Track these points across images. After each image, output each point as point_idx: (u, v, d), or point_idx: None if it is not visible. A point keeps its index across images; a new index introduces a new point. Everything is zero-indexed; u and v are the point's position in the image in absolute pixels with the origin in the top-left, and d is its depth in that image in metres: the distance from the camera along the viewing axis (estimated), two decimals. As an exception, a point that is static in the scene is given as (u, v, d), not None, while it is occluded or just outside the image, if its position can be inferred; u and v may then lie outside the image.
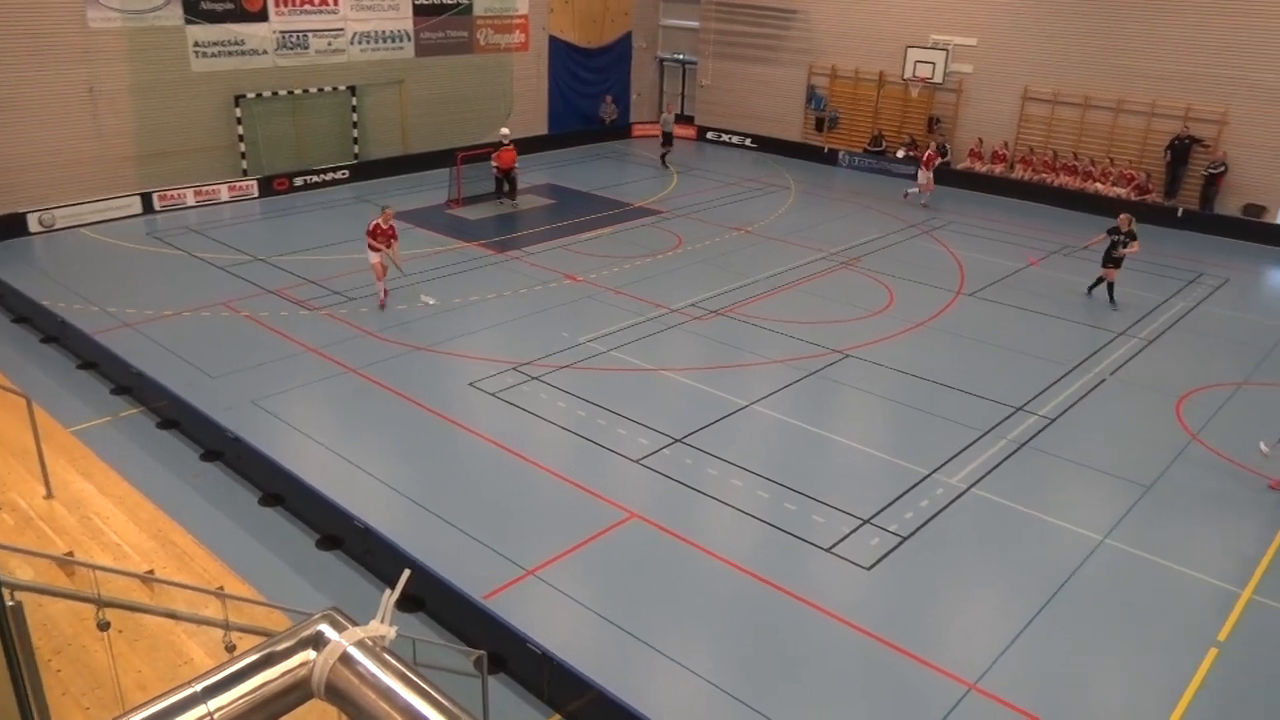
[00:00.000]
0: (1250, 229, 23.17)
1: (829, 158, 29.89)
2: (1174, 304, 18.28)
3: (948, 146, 27.90)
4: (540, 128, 30.80)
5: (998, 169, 27.13)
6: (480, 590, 9.14)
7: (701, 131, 33.15)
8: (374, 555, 9.60)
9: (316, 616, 3.73)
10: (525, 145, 24.71)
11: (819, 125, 30.86)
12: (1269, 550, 10.36)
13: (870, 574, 9.82)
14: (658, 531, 10.41)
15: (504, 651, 8.26)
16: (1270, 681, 8.60)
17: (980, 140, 27.47)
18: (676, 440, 12.31)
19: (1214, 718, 8.12)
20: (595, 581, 9.61)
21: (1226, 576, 9.96)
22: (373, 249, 16.17)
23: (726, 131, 32.43)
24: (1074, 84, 25.60)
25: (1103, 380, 14.64)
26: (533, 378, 13.96)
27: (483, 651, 7.04)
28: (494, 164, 23.46)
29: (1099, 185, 25.30)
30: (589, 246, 20.49)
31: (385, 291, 16.49)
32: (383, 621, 3.81)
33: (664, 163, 28.43)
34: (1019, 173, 26.76)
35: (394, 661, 3.57)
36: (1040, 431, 12.91)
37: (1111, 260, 17.76)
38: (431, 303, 16.46)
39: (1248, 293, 19.51)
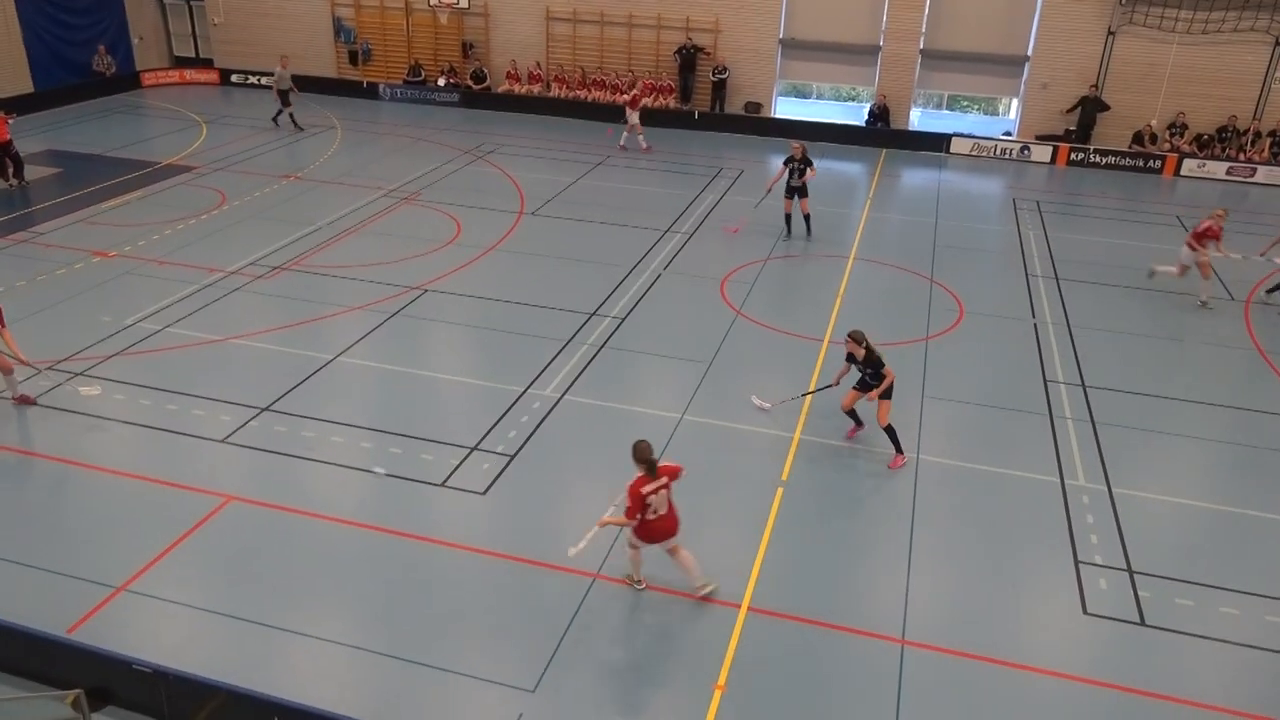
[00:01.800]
0: (752, 124, 26.54)
1: (370, 92, 28.98)
2: (705, 198, 20.49)
3: (484, 71, 28.34)
4: (23, 85, 26.25)
5: (535, 89, 28.14)
6: (62, 624, 7.99)
7: (225, 75, 30.38)
8: (-93, 622, 7.95)
9: None
10: (3, 106, 20.85)
11: (353, 59, 29.71)
12: (807, 398, 12.24)
13: (486, 498, 10.09)
14: (261, 509, 9.78)
15: (107, 682, 7.35)
16: (820, 501, 10.30)
17: (514, 62, 28.23)
18: (263, 409, 11.54)
19: (788, 541, 9.57)
20: (200, 578, 8.83)
21: (780, 426, 11.65)
22: None
23: (253, 73, 30.02)
24: (590, 2, 27.12)
25: (659, 276, 16.11)
26: (77, 374, 12.19)
27: (79, 690, 6.21)
28: None
29: (626, 97, 27.27)
30: (115, 216, 18.09)
31: (21, 396, 11.45)
32: None
33: (295, 124, 24.79)
34: (555, 91, 27.98)
35: None
36: (614, 332, 13.95)
37: (793, 190, 17.62)
38: (96, 393, 11.71)
39: (758, 181, 22.36)
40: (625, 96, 25.56)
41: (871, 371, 10.69)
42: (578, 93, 27.73)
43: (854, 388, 11.04)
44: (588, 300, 14.93)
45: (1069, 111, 24.78)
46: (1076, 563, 9.44)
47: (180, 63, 31.25)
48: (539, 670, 7.88)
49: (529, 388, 12.27)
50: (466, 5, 27.51)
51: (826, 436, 11.43)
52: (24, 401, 11.50)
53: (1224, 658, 8.32)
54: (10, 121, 19.65)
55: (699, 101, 27.20)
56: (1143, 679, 8.04)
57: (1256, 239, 18.00)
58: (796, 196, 17.78)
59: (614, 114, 26.77)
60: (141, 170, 21.03)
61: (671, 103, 27.15)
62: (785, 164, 17.58)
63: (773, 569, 9.19)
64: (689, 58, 26.73)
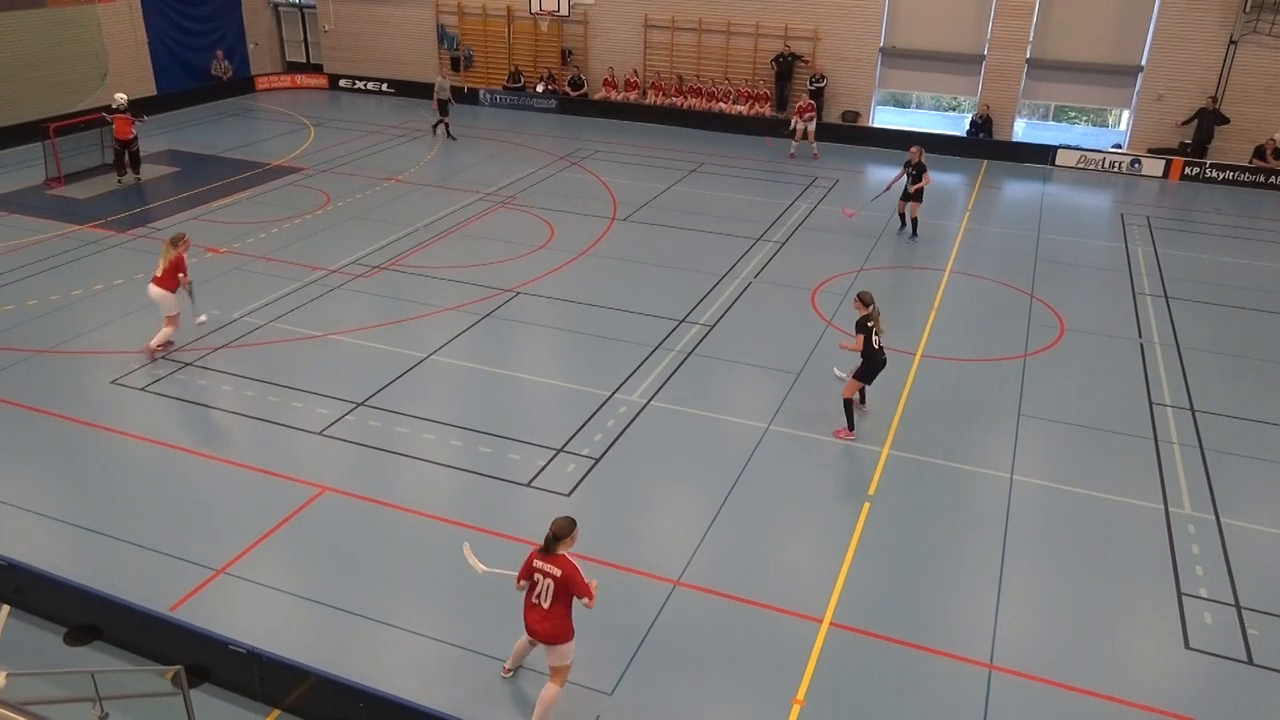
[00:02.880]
0: (850, 133, 26.18)
1: (470, 97, 29.60)
2: (798, 207, 20.31)
3: (582, 78, 28.66)
4: (147, 87, 27.64)
5: (632, 96, 28.33)
6: (165, 602, 8.37)
7: (333, 80, 31.45)
8: (27, 592, 8.42)
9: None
10: (132, 108, 21.97)
11: (455, 65, 30.40)
12: (896, 413, 12.01)
13: (571, 499, 10.18)
14: (354, 500, 10.06)
15: (205, 660, 7.66)
16: (908, 517, 10.07)
17: (612, 69, 28.49)
18: (359, 404, 11.88)
19: (874, 557, 9.39)
20: (295, 565, 9.13)
21: (868, 439, 11.45)
22: (174, 289, 12.57)
23: (359, 78, 31.04)
24: (688, 10, 27.19)
25: (749, 284, 16.03)
26: (186, 364, 12.77)
27: (179, 666, 6.48)
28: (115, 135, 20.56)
29: (722, 105, 27.27)
30: (227, 214, 18.88)
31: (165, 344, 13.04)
32: None
33: (449, 134, 25.07)
34: (651, 98, 28.13)
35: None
36: (703, 339, 13.92)
37: (909, 195, 18.04)
38: (204, 320, 13.40)
39: (854, 190, 22.08)
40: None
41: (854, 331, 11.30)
42: (674, 100, 27.82)
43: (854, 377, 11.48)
44: (677, 307, 14.94)
45: (1185, 124, 23.76)
46: (1179, 594, 9.02)
47: (292, 68, 32.48)
48: (617, 674, 7.90)
49: (616, 392, 12.34)
50: (567, 13, 27.88)
51: (916, 452, 11.19)
52: (163, 350, 12.98)
53: (1340, 704, 7.84)
54: (137, 123, 20.64)
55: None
56: (1249, 721, 7.63)
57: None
58: (910, 201, 18.20)
59: (711, 120, 26.80)
60: (252, 171, 21.91)
61: (767, 111, 27.00)
62: (903, 168, 18.08)
63: (857, 585, 9.03)
64: (786, 66, 26.55)
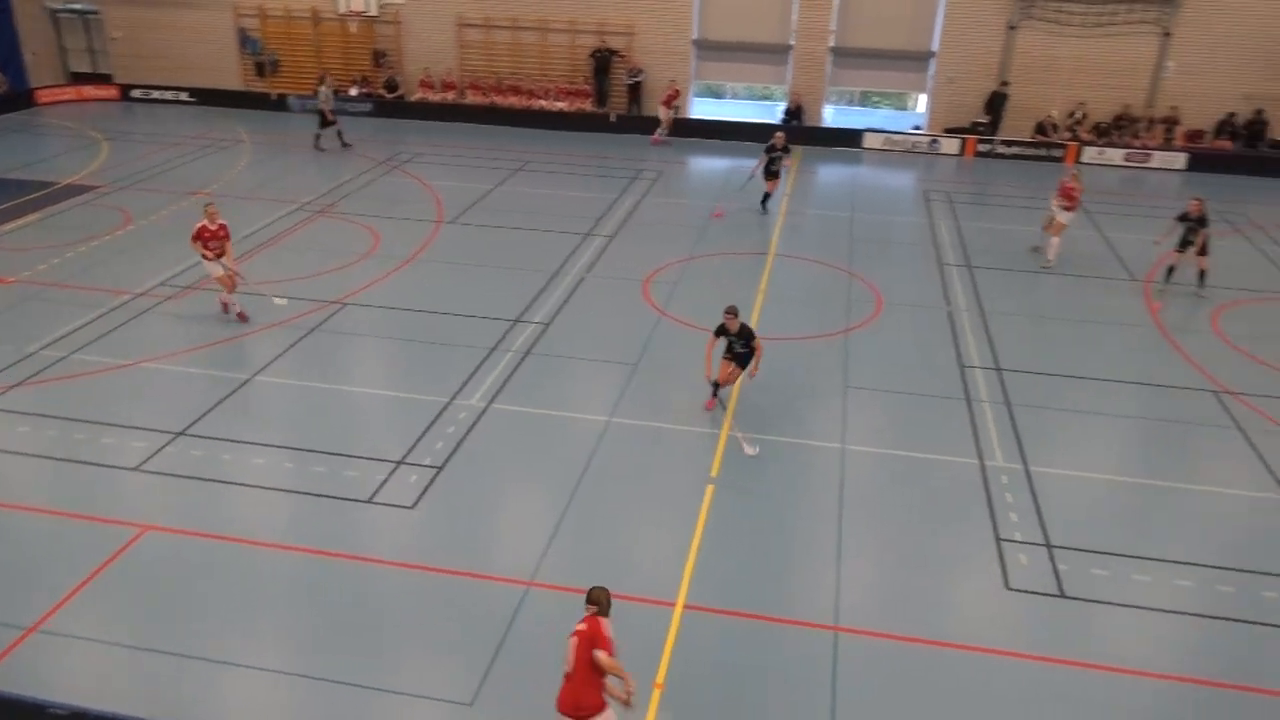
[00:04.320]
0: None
1: (279, 104, 28.33)
2: (624, 201, 20.53)
3: (397, 80, 27.96)
4: (-93, 107, 25.03)
5: (450, 96, 27.86)
6: (-31, 670, 7.65)
7: (125, 90, 29.41)
8: None
9: None
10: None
11: (260, 70, 29.01)
12: (732, 394, 12.36)
13: (416, 511, 9.95)
14: (181, 537, 9.48)
15: (21, 727, 7.06)
16: (751, 495, 10.40)
17: (428, 70, 27.91)
18: (178, 434, 11.19)
19: (721, 537, 9.65)
20: (119, 613, 8.52)
21: (708, 423, 11.74)
22: (206, 259, 13.89)
23: (155, 87, 29.15)
24: (502, 8, 26.95)
25: (582, 279, 16.09)
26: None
27: (-10, 737, 5.94)
28: None
29: (542, 102, 27.21)
30: (13, 240, 17.36)
31: (238, 309, 14.18)
32: None
33: (342, 141, 23.88)
34: (470, 98, 27.74)
35: None
36: (539, 338, 13.88)
37: (771, 174, 19.50)
38: (283, 303, 14.33)
39: (676, 182, 22.55)
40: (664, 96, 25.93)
41: (742, 343, 11.60)
42: (494, 99, 27.54)
43: (725, 357, 11.78)
44: (511, 307, 14.83)
45: (988, 113, 25.40)
46: (998, 540, 9.71)
47: (77, 78, 30.14)
48: (476, 683, 7.80)
49: (454, 398, 12.14)
50: (376, 13, 27.10)
51: (753, 431, 11.54)
52: (242, 319, 14.06)
53: (1138, 622, 8.66)
54: None
55: (615, 104, 27.24)
56: (1065, 649, 8.31)
57: (1156, 222, 18.76)
58: (779, 178, 19.81)
59: (531, 118, 26.71)
60: (39, 191, 20.19)
61: (587, 106, 27.16)
62: (767, 151, 19.40)
63: (707, 565, 9.25)
64: (604, 61, 26.76)
